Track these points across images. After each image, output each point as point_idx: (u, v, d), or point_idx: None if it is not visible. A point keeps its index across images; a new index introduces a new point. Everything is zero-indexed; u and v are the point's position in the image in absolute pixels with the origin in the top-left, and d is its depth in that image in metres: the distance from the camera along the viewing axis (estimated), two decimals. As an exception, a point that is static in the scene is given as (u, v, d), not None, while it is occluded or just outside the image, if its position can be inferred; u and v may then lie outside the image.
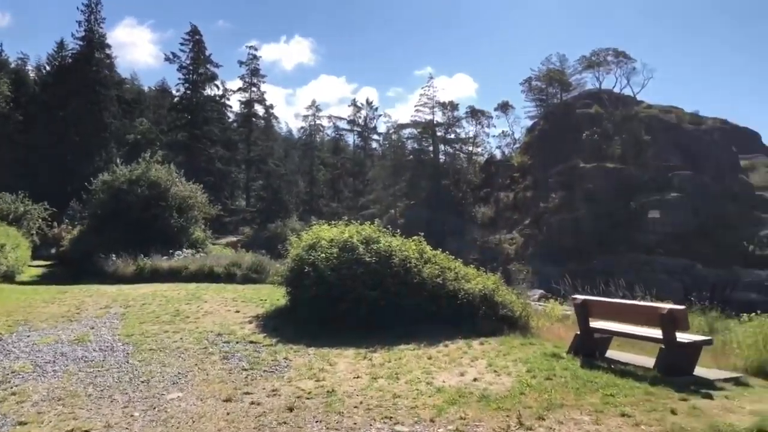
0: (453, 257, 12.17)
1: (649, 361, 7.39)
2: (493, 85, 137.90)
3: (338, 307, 9.83)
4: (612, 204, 42.96)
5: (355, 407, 5.79)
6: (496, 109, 69.92)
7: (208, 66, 63.58)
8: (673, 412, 5.29)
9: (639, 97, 56.68)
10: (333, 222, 12.25)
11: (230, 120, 69.14)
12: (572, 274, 30.28)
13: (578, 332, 8.06)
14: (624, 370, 6.97)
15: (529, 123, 64.60)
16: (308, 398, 6.13)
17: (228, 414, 5.64)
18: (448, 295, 10.46)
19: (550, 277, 34.68)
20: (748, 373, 7.96)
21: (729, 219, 38.87)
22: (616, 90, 57.38)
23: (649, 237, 39.97)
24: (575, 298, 8.17)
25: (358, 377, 6.97)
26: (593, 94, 57.38)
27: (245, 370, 7.39)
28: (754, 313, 9.34)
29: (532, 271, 40.94)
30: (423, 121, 63.30)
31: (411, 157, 62.83)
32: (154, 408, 5.85)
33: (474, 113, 68.56)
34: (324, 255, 10.39)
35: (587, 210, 42.88)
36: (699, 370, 6.98)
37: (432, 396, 6.09)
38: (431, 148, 63.20)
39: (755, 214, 39.80)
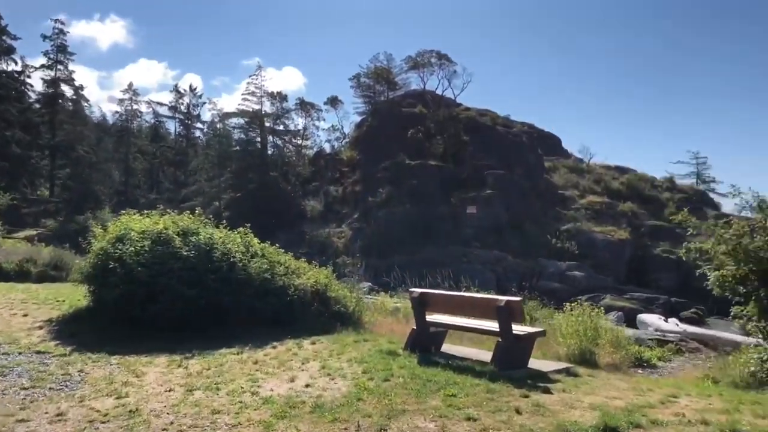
0: (283, 251, 11.40)
1: (483, 354, 7.25)
2: (322, 80, 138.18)
3: (149, 308, 8.56)
4: (435, 199, 44.80)
5: (164, 430, 4.79)
6: (325, 103, 69.88)
7: (3, 38, 55.52)
8: (518, 411, 5.02)
9: (459, 99, 59.98)
10: (146, 212, 10.84)
11: (31, 100, 61.08)
12: (399, 266, 30.79)
13: (414, 327, 7.73)
14: (462, 366, 6.72)
15: (358, 119, 65.39)
16: (103, 422, 4.98)
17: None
18: (278, 291, 9.65)
19: (379, 270, 35.25)
20: (571, 361, 8.20)
21: (536, 215, 42.50)
22: (439, 91, 60.17)
23: (467, 231, 42.31)
24: (412, 292, 7.84)
25: (170, 390, 5.92)
26: (418, 94, 59.52)
27: (24, 389, 5.97)
28: (575, 302, 9.79)
29: (360, 263, 41.20)
30: (250, 110, 61.00)
31: (237, 147, 60.24)
32: None
33: (304, 105, 67.81)
34: (134, 248, 9.02)
35: (412, 205, 44.27)
36: (531, 362, 6.97)
37: (258, 409, 5.27)
38: (259, 139, 61.18)
39: (557, 210, 44.00)
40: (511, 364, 6.55)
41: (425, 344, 7.52)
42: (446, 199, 44.79)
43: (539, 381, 6.21)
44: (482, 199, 43.54)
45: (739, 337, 10.86)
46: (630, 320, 26.70)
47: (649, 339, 11.13)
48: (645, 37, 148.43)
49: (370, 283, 34.83)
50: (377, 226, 44.43)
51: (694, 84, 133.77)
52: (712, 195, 55.76)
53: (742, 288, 8.07)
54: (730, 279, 8.08)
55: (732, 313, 8.58)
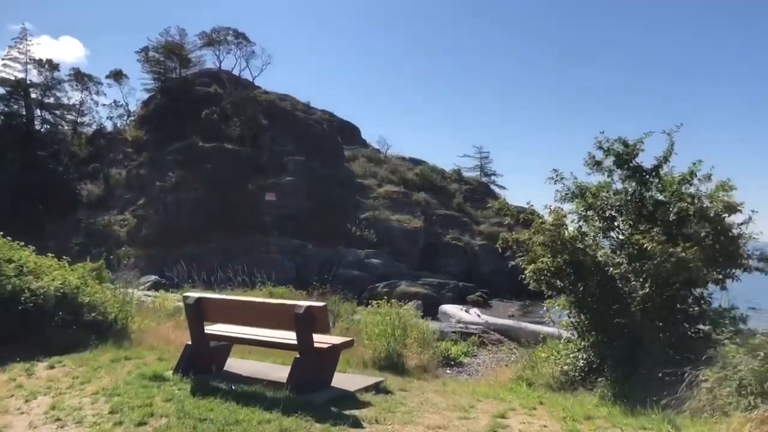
0: (23, 244, 8.88)
1: (278, 371, 5.87)
2: (105, 53, 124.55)
3: None
4: (231, 185, 42.27)
5: None
6: (108, 77, 62.54)
7: None
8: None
9: (257, 82, 57.57)
10: None
11: None
12: (190, 257, 28.05)
13: (190, 342, 6.05)
14: (249, 393, 5.24)
15: (146, 96, 59.45)
16: None
17: None
18: (5, 298, 7.28)
19: (166, 261, 32.02)
20: (378, 366, 7.19)
21: (336, 203, 42.10)
22: (236, 72, 57.13)
23: (266, 218, 40.54)
24: (187, 297, 6.14)
25: None
26: (213, 73, 55.90)
27: None
28: (381, 299, 8.86)
29: (145, 255, 37.53)
30: (12, 79, 52.32)
31: (-3, 121, 51.26)
32: None
33: (80, 77, 59.90)
34: None
35: (206, 190, 41.23)
36: (336, 377, 5.74)
37: None
38: (24, 112, 52.69)
39: (356, 198, 44.11)
40: (311, 385, 5.27)
41: (204, 363, 5.92)
42: (243, 185, 42.48)
43: (346, 406, 4.99)
44: (282, 185, 42.03)
45: (538, 328, 10.94)
46: (427, 306, 27.38)
47: (453, 332, 10.78)
48: (437, 36, 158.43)
49: (156, 276, 31.63)
50: (165, 214, 40.69)
51: (478, 81, 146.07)
52: (493, 187, 60.71)
53: (558, 282, 7.67)
54: (546, 272, 7.63)
55: (545, 307, 8.30)
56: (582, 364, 7.32)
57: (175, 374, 5.76)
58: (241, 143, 46.06)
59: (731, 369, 5.03)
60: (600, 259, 7.49)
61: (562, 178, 8.21)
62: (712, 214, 6.99)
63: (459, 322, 12.88)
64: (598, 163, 8.07)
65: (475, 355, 10.06)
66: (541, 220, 8.00)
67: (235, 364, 6.33)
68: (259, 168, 43.73)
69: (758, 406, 4.40)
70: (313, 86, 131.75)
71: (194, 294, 6.29)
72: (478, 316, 13.10)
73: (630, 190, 7.81)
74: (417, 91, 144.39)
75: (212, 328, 6.12)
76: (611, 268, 7.19)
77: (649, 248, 6.50)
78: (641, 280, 6.77)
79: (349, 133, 58.95)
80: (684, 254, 6.29)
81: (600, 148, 7.99)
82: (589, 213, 7.94)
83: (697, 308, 7.06)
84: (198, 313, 5.94)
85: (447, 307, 14.35)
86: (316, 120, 53.82)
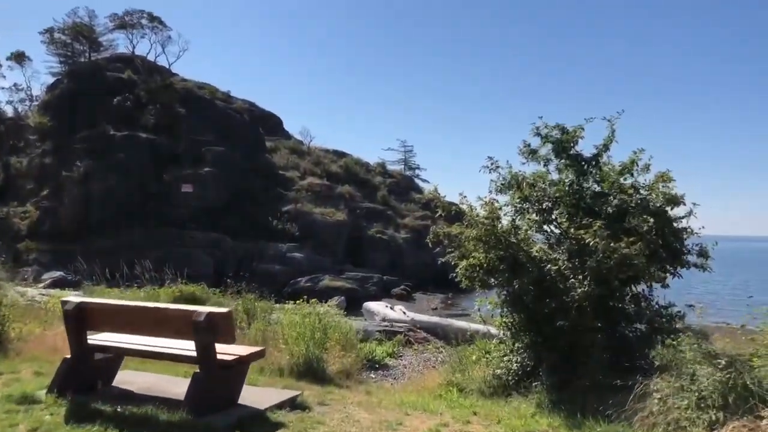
0: None
1: (176, 386, 5.12)
2: (4, 33, 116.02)
3: None
4: (145, 176, 40.14)
5: None
6: (8, 59, 57.93)
7: None
8: None
9: (174, 69, 54.96)
10: None
11: None
12: (100, 252, 26.24)
13: (68, 355, 5.19)
14: (137, 416, 4.46)
15: (51, 79, 55.47)
16: None
17: None
18: None
19: (73, 257, 29.92)
20: (296, 374, 6.54)
21: (257, 195, 40.78)
22: (151, 57, 54.31)
23: (182, 211, 38.76)
24: (65, 302, 5.27)
25: None
26: (126, 58, 52.83)
27: None
28: (302, 300, 8.20)
29: (50, 249, 35.09)
30: None
31: None
32: None
33: (-25, 58, 55.24)
34: None
35: (118, 181, 38.91)
36: (245, 391, 5.06)
37: None
38: None
39: (278, 191, 42.90)
40: (214, 404, 4.57)
41: (87, 380, 5.08)
42: (158, 175, 40.42)
43: (254, 429, 4.32)
44: (200, 176, 40.26)
45: (465, 325, 10.58)
46: (350, 301, 26.85)
47: (378, 331, 10.24)
48: (360, 28, 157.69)
49: (61, 273, 29.48)
50: (73, 206, 38.15)
51: (403, 76, 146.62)
52: (417, 181, 60.95)
53: (492, 279, 7.10)
54: (478, 268, 7.02)
55: (476, 306, 7.79)
56: (516, 368, 6.84)
57: (49, 395, 4.89)
58: (157, 132, 43.77)
59: (687, 379, 4.59)
60: (536, 254, 6.98)
61: (497, 167, 7.59)
62: (654, 207, 6.61)
63: (384, 320, 12.34)
64: (534, 152, 7.55)
65: (401, 356, 9.51)
66: (474, 212, 7.33)
67: (126, 378, 5.52)
68: (175, 158, 41.75)
69: (725, 423, 4.02)
70: (233, 76, 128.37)
71: (74, 298, 5.43)
72: (404, 313, 12.62)
73: (567, 180, 7.33)
74: (341, 83, 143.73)
75: (98, 338, 5.29)
76: (549, 265, 6.66)
77: (591, 243, 6.11)
78: (580, 277, 6.25)
79: (271, 123, 57.37)
80: (628, 250, 5.92)
81: (537, 134, 7.45)
82: (525, 205, 7.38)
83: (633, 306, 6.71)
84: (79, 322, 5.08)
85: (371, 305, 13.84)
86: (236, 109, 52.02)
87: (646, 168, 7.10)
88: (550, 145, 7.39)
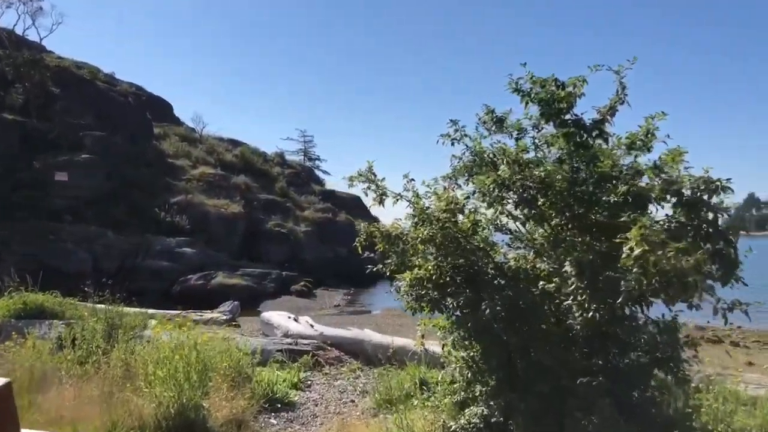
0: None
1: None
2: None
3: None
4: (12, 162, 35.78)
5: None
6: None
7: None
8: None
9: (47, 45, 49.80)
10: None
11: None
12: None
13: None
14: None
15: None
16: None
17: None
18: None
19: None
20: (164, 429, 4.84)
21: (143, 185, 37.57)
22: (19, 30, 48.90)
23: (57, 202, 34.91)
24: None
25: None
26: (-9, 30, 47.36)
27: None
28: (173, 323, 6.45)
29: None
30: None
31: None
32: None
33: None
34: None
35: (-21, 168, 34.45)
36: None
37: None
38: None
39: (167, 180, 39.83)
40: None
41: None
42: (28, 162, 36.17)
43: None
44: (76, 164, 36.45)
45: (387, 339, 8.94)
46: (245, 300, 24.94)
47: (279, 350, 8.25)
48: (254, 10, 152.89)
49: None
50: None
51: (301, 64, 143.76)
52: (318, 172, 59.44)
53: (449, 299, 5.11)
54: (427, 283, 5.06)
55: (419, 333, 5.61)
56: (478, 423, 4.90)
57: None
58: (26, 114, 39.21)
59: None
60: (513, 265, 5.07)
61: (464, 136, 5.35)
62: (690, 194, 4.19)
63: (287, 335, 10.13)
64: (501, 120, 5.28)
65: (309, 385, 7.49)
66: (422, 204, 5.38)
67: None
68: (48, 143, 37.57)
69: None
70: (117, 58, 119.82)
71: None
72: (311, 326, 10.26)
73: (565, 157, 4.98)
74: (235, 70, 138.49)
75: None
76: (545, 283, 4.69)
77: (635, 253, 3.67)
78: (581, 298, 4.19)
79: (159, 108, 53.60)
80: (684, 262, 3.52)
81: (517, 90, 5.07)
82: (503, 194, 5.02)
83: (627, 325, 4.51)
84: None
85: (271, 316, 11.33)
86: (120, 92, 47.97)
87: (659, 139, 4.76)
88: (534, 108, 5.08)
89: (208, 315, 13.26)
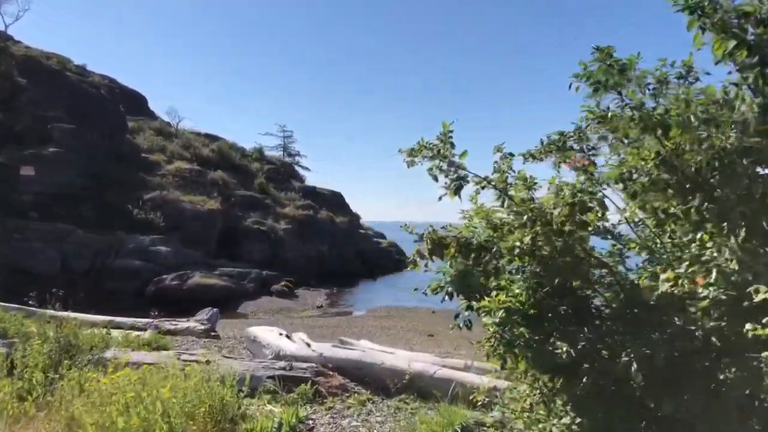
0: None
1: None
2: None
3: None
4: (-26, 156, 33.95)
5: None
6: None
7: None
8: None
9: (13, 33, 47.54)
10: None
11: None
12: None
13: None
14: None
15: None
16: None
17: None
18: None
19: None
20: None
21: (116, 180, 35.89)
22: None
23: (23, 198, 33.12)
24: None
25: None
26: (-46, 18, 45.11)
27: None
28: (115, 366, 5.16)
29: None
30: None
31: None
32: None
33: None
34: None
35: (-61, 162, 32.54)
36: None
37: None
38: None
39: (141, 176, 38.15)
40: None
41: None
42: (-8, 156, 34.33)
43: None
44: (44, 158, 34.64)
45: (400, 363, 7.34)
46: (223, 301, 23.56)
47: (269, 376, 6.62)
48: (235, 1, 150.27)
49: None
50: None
51: (282, 58, 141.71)
52: (298, 168, 58.11)
53: (559, 342, 3.36)
54: (515, 315, 3.33)
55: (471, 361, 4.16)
56: None
57: None
58: (-10, 105, 37.33)
59: None
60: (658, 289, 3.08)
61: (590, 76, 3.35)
62: None
63: (278, 356, 8.06)
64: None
65: (312, 429, 5.71)
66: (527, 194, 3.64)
67: None
68: (14, 136, 35.71)
69: None
70: (89, 49, 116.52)
71: None
72: (307, 345, 8.18)
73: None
74: (215, 63, 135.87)
75: None
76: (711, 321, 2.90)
77: None
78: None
79: (133, 102, 51.73)
80: None
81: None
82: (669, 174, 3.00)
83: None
84: None
85: (259, 332, 9.18)
86: (92, 84, 46.03)
87: None
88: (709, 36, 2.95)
89: (183, 324, 11.93)
